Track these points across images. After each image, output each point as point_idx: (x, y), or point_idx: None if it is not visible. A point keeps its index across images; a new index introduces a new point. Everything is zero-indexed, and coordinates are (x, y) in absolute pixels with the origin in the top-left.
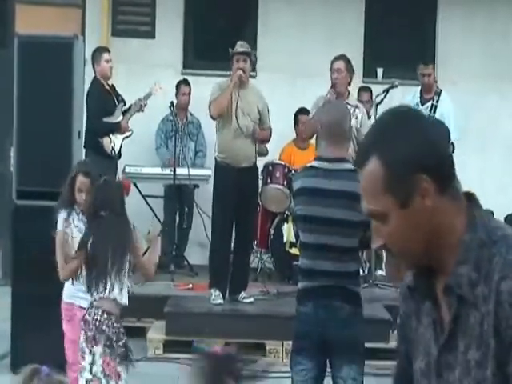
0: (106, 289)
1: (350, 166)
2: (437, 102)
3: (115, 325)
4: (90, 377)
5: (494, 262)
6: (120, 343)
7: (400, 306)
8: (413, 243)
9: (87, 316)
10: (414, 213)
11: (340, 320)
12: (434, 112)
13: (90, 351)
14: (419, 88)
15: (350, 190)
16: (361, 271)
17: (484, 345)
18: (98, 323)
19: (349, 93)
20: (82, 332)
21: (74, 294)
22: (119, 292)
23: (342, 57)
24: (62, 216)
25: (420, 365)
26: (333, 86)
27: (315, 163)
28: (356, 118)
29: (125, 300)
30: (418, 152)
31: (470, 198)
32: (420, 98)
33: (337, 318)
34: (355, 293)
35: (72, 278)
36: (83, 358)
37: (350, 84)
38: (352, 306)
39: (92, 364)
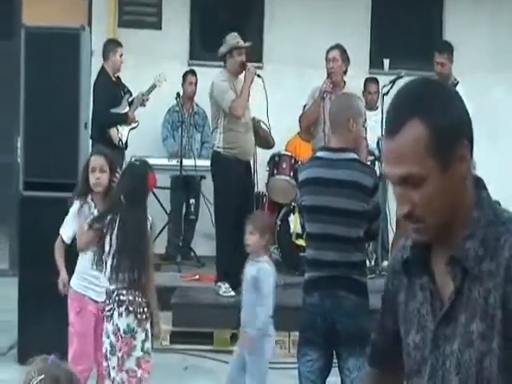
0: (135, 273)
1: (353, 155)
2: None
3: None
4: (140, 354)
5: (501, 239)
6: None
7: (388, 281)
8: (441, 209)
9: (136, 298)
10: (451, 177)
11: (346, 310)
12: None
13: (144, 328)
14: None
15: (355, 180)
16: (367, 262)
17: (489, 318)
18: (146, 302)
19: (344, 82)
20: (132, 314)
21: (86, 286)
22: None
23: (338, 46)
24: (74, 207)
25: (414, 338)
26: (328, 75)
27: (319, 153)
28: None
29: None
30: (461, 117)
31: (477, 179)
32: None
33: (343, 309)
34: (361, 283)
35: (85, 249)
36: (134, 338)
37: (345, 73)
38: (358, 297)
39: (145, 341)
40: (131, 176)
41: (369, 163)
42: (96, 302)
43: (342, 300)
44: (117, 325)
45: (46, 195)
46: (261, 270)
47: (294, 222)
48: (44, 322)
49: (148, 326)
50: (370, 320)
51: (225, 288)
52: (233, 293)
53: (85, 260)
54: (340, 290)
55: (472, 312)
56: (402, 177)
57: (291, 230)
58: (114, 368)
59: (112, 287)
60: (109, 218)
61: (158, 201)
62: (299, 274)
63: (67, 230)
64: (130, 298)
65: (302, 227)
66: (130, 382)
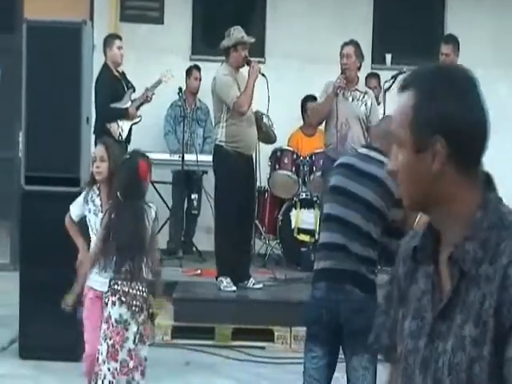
0: (135, 264)
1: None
2: None
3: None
4: (132, 346)
5: (502, 245)
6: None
7: (397, 265)
8: (413, 189)
9: (131, 290)
10: (421, 164)
11: (352, 305)
12: None
13: (136, 321)
14: None
15: (383, 178)
16: None
17: (482, 323)
18: (143, 294)
19: (358, 78)
20: (124, 305)
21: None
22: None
23: (352, 42)
24: (83, 193)
25: (410, 325)
26: (342, 71)
27: (361, 150)
28: (365, 104)
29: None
30: (450, 117)
31: (488, 179)
32: None
33: (349, 302)
34: (369, 279)
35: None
36: (126, 329)
37: (359, 69)
38: (365, 293)
39: (137, 333)
40: (122, 171)
41: None
42: (96, 290)
43: (348, 294)
44: (109, 313)
45: (47, 189)
46: None
47: (296, 217)
48: (45, 317)
49: (141, 318)
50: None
51: (226, 283)
52: (234, 288)
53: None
54: (347, 283)
55: (467, 314)
56: (392, 132)
57: (293, 226)
58: (102, 355)
59: (111, 275)
60: (106, 215)
61: (160, 195)
62: (301, 269)
63: (76, 209)
64: (125, 289)
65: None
66: (122, 373)
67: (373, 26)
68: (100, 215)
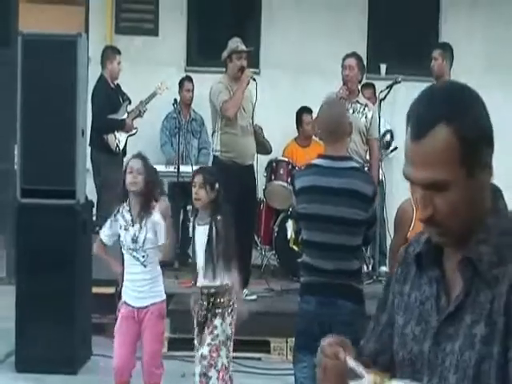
0: None
1: (353, 163)
2: None
3: None
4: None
5: None
6: None
7: (396, 272)
8: (463, 214)
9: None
10: (475, 184)
11: (342, 318)
12: None
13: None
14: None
15: (352, 188)
16: (365, 267)
17: (493, 323)
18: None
19: (359, 91)
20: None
21: (123, 290)
22: None
23: (354, 54)
24: (108, 220)
25: (413, 330)
26: (344, 83)
27: (317, 161)
28: (366, 116)
29: None
30: (489, 125)
31: (495, 187)
32: None
33: (339, 316)
34: (358, 290)
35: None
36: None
37: (360, 82)
38: (354, 304)
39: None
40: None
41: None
42: (129, 305)
43: (339, 308)
44: None
45: (43, 202)
46: None
47: (292, 228)
48: (41, 330)
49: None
50: (366, 326)
51: None
52: None
53: (126, 264)
54: (337, 297)
55: (478, 316)
56: (428, 181)
57: (289, 236)
58: None
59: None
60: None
61: None
62: (297, 279)
63: (106, 230)
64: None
65: (296, 233)
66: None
67: (367, 36)
68: (131, 229)
